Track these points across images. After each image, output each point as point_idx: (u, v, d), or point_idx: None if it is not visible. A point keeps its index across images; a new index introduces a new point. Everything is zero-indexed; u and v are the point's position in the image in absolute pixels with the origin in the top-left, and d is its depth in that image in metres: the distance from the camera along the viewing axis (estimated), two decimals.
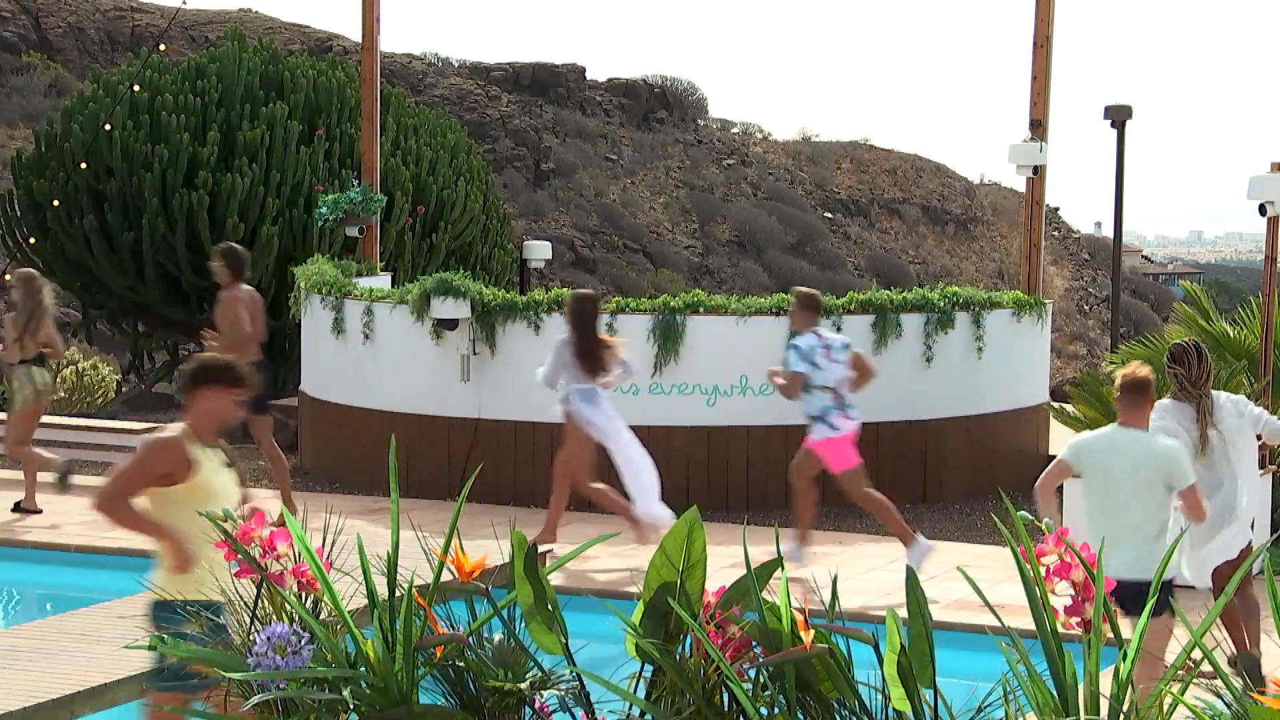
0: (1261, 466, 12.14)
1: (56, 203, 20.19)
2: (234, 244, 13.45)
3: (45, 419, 14.25)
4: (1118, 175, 20.68)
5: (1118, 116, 20.73)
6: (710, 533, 4.38)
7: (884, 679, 4.01)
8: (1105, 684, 3.90)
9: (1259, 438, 9.50)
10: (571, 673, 4.28)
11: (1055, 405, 14.86)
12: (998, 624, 4.02)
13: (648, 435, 12.76)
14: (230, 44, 21.63)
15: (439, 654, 4.29)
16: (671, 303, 14.22)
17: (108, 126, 20.01)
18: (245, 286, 13.02)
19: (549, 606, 4.29)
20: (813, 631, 4.03)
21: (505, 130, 48.58)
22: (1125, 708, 3.82)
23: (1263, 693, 3.65)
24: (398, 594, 4.24)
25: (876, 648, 4.03)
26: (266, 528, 4.53)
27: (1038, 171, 15.09)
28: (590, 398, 12.00)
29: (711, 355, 14.14)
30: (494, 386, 14.46)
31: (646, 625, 4.22)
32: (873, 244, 52.16)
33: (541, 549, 9.65)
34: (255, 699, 4.19)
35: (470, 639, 4.31)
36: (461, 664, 4.31)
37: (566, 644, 4.30)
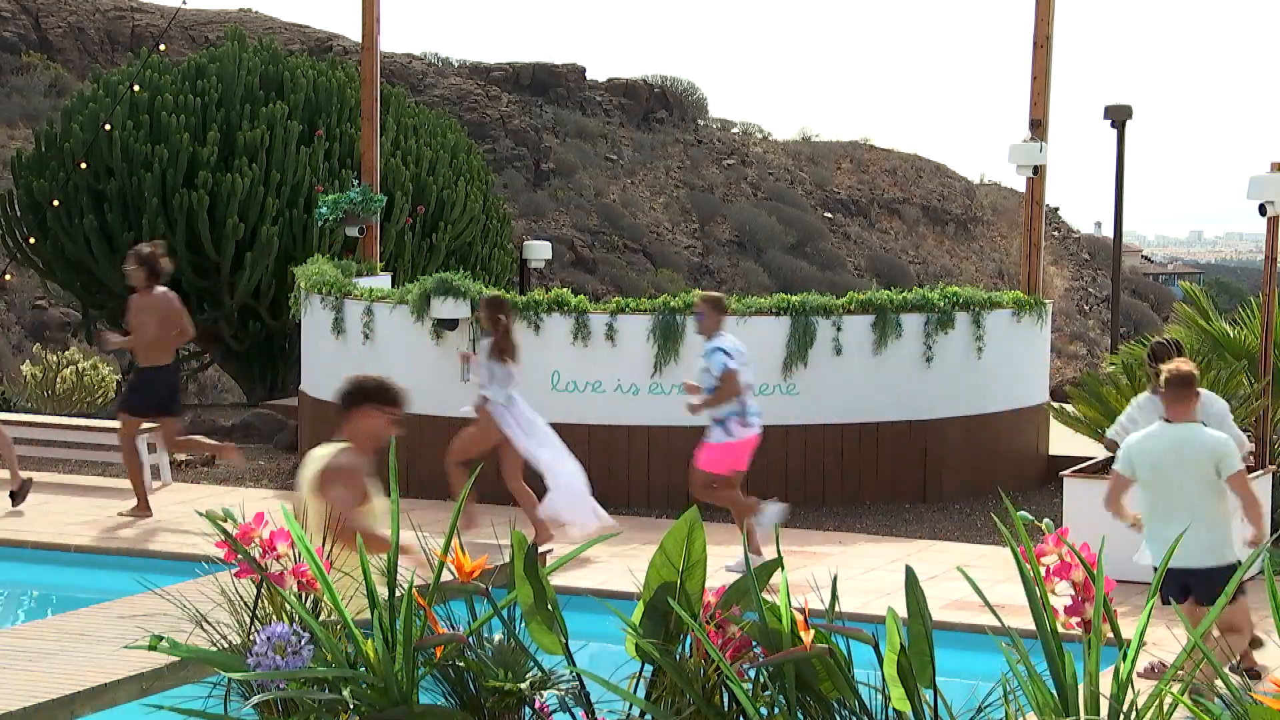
0: (1261, 466, 12.14)
1: (56, 203, 20.19)
2: (149, 246, 13.35)
3: (46, 419, 14.24)
4: (1118, 175, 20.68)
5: (1118, 116, 20.74)
6: (710, 533, 4.37)
7: (884, 679, 4.01)
8: (1105, 684, 3.90)
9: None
10: (571, 673, 4.28)
11: (1055, 405, 14.84)
12: (998, 624, 4.02)
13: (648, 435, 12.78)
14: (230, 44, 21.62)
15: (439, 654, 4.28)
16: (671, 303, 14.21)
17: (108, 126, 20.00)
18: (160, 289, 13.02)
19: (549, 606, 4.29)
20: (813, 631, 4.03)
21: (505, 130, 48.57)
22: (1125, 708, 3.82)
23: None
24: (398, 594, 4.24)
25: (876, 648, 4.03)
26: (266, 527, 4.53)
27: (1038, 171, 15.09)
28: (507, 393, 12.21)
29: None
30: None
31: (646, 625, 4.22)
32: (873, 244, 52.14)
33: (541, 549, 9.66)
34: (255, 699, 4.19)
35: (470, 639, 4.31)
36: (461, 664, 4.31)
37: (566, 644, 4.30)
